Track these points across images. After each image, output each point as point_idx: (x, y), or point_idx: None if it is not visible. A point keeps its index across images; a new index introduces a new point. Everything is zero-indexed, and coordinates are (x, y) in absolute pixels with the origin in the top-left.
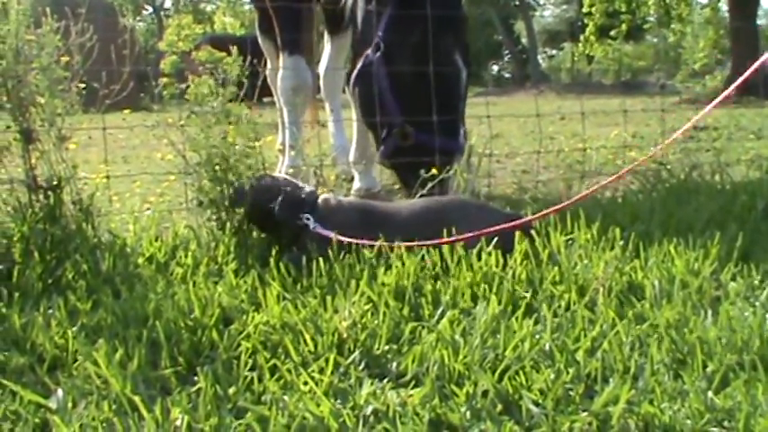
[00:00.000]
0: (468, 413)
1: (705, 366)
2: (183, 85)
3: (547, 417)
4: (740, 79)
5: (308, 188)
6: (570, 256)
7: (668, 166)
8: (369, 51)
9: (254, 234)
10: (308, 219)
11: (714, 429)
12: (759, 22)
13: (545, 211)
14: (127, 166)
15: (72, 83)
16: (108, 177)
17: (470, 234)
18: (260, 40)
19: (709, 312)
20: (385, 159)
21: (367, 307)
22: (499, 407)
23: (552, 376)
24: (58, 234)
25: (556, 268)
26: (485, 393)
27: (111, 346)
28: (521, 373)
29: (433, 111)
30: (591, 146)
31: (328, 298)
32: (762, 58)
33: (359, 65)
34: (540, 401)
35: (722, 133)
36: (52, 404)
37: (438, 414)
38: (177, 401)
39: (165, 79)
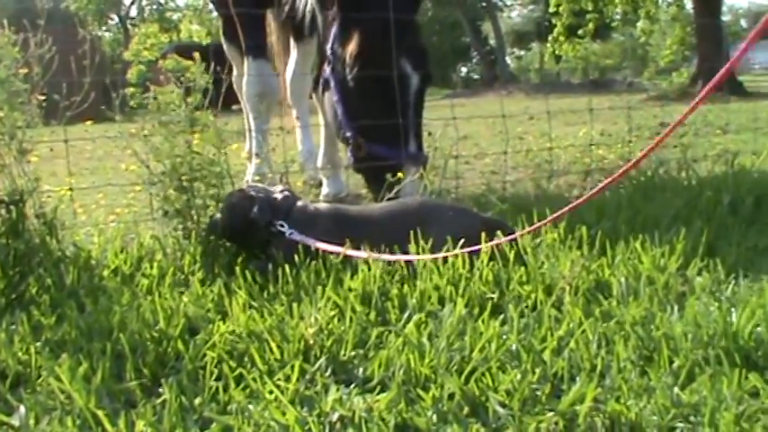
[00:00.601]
0: (434, 416)
1: (671, 362)
2: (148, 95)
3: (513, 417)
4: (719, 74)
5: (281, 194)
6: (537, 256)
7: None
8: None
9: (221, 242)
10: (281, 225)
11: (680, 425)
12: (724, 18)
13: (541, 223)
14: (94, 177)
15: (32, 95)
16: (72, 189)
17: (472, 248)
18: (225, 47)
19: (676, 308)
20: (354, 165)
21: (333, 313)
22: (466, 409)
23: (519, 377)
24: (21, 248)
25: (522, 268)
26: (451, 396)
27: (75, 361)
28: (487, 374)
29: (381, 119)
30: (559, 145)
31: (295, 305)
32: (735, 56)
33: (323, 73)
34: (507, 402)
35: (689, 130)
36: (15, 421)
37: (404, 419)
38: (142, 414)
39: (131, 89)
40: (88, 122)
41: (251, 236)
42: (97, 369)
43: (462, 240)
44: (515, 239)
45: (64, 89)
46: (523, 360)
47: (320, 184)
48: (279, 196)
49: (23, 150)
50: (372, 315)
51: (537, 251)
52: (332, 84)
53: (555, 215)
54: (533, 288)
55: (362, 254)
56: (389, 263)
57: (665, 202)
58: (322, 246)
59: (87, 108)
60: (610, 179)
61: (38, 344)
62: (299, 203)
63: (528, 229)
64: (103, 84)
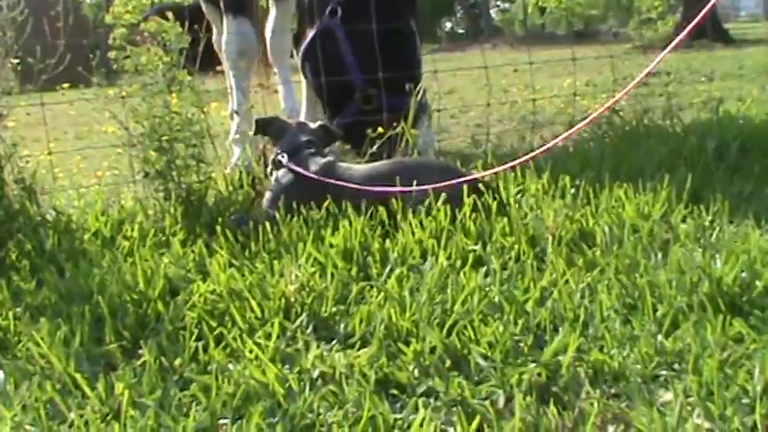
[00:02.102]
0: (415, 371)
1: (655, 310)
2: (125, 56)
3: (495, 369)
4: (692, 24)
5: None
6: (520, 207)
7: (620, 112)
8: (325, 16)
9: (203, 202)
10: (282, 156)
11: (664, 372)
12: None
13: (497, 169)
14: (79, 142)
15: (6, 59)
16: (51, 153)
17: (423, 186)
18: (203, 6)
19: (660, 256)
20: (342, 123)
21: (314, 269)
22: (448, 362)
23: (501, 329)
24: (1, 214)
25: (506, 220)
26: (433, 350)
27: (54, 325)
28: (469, 327)
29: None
30: (543, 96)
31: (275, 262)
32: (710, 3)
33: (313, 30)
34: (489, 354)
35: (674, 77)
36: None
37: (385, 373)
38: (121, 376)
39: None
40: (65, 86)
41: None
42: (76, 333)
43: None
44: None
45: (38, 53)
46: (506, 312)
47: None
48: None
49: (0, 115)
50: (354, 271)
51: (520, 202)
52: (339, 35)
53: (515, 162)
54: (516, 239)
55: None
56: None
57: (649, 149)
58: (321, 178)
59: (65, 71)
60: (565, 134)
61: (17, 309)
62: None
63: (485, 172)
64: (84, 47)
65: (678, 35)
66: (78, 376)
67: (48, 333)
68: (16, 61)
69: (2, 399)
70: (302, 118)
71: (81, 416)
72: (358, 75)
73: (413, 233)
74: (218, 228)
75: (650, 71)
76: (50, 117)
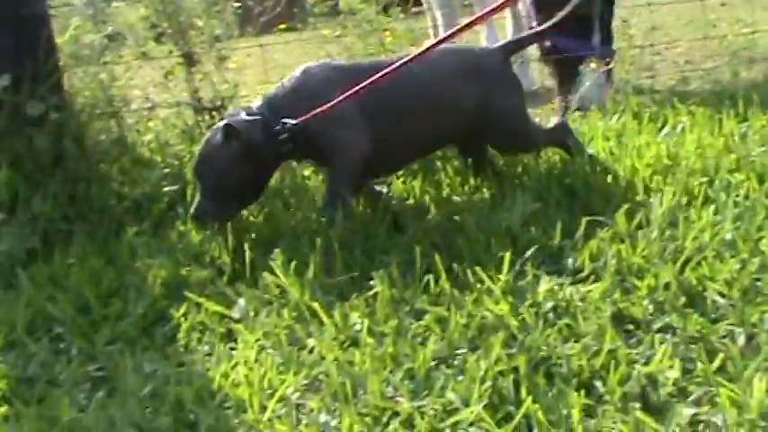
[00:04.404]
0: (650, 306)
1: None
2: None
3: (734, 307)
4: None
5: None
6: (746, 144)
7: None
8: None
9: None
10: None
11: None
12: None
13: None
14: None
15: (227, 3)
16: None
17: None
18: None
19: None
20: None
21: (538, 204)
22: (682, 299)
23: (737, 266)
24: None
25: (732, 156)
26: (667, 286)
27: (287, 257)
28: (703, 264)
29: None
30: (757, 30)
31: (498, 196)
32: None
33: None
34: (726, 292)
35: None
36: (235, 314)
37: (620, 308)
38: (355, 306)
39: None
40: (282, 26)
41: None
42: (309, 264)
43: None
44: None
45: None
46: (740, 249)
47: None
48: None
49: (222, 57)
50: (577, 206)
51: (745, 139)
52: None
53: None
54: (746, 176)
55: None
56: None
57: None
58: None
59: (278, 15)
60: None
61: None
62: None
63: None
64: None
65: None
66: (315, 305)
67: (282, 264)
68: (237, 5)
69: (245, 324)
70: None
71: (320, 342)
72: (533, 12)
73: (634, 169)
74: (439, 163)
75: None
76: (255, 62)
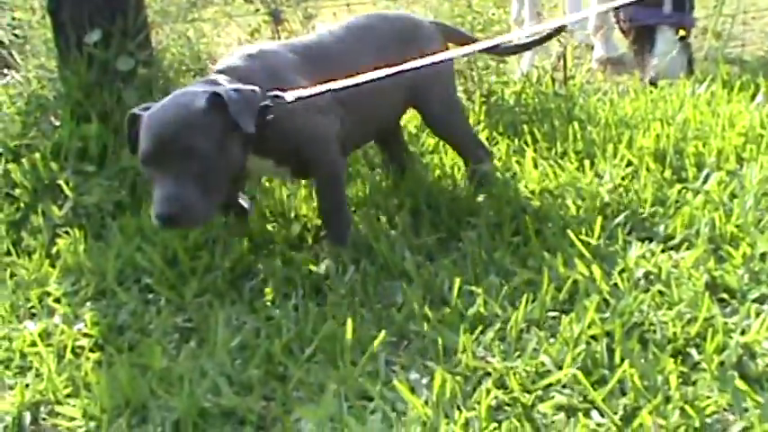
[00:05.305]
0: (746, 276)
1: None
2: None
3: None
4: None
5: None
6: None
7: None
8: None
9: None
10: None
11: None
12: None
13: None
14: None
15: None
16: None
17: None
18: None
19: None
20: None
21: (628, 170)
22: None
23: None
24: None
25: None
26: (763, 256)
27: (373, 216)
28: None
29: None
30: None
31: (586, 162)
32: None
33: None
34: None
35: None
36: (322, 270)
37: (713, 277)
38: (444, 266)
39: None
40: None
41: None
42: (396, 224)
43: None
44: None
45: None
46: None
47: (592, 48)
48: None
49: (308, 15)
50: (668, 173)
51: None
52: None
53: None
54: None
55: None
56: None
57: None
58: None
59: None
60: None
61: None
62: None
63: None
64: None
65: None
66: (406, 264)
67: (368, 224)
68: None
69: (332, 280)
70: (590, 22)
71: (410, 300)
72: None
73: (724, 137)
74: (525, 127)
75: None
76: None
